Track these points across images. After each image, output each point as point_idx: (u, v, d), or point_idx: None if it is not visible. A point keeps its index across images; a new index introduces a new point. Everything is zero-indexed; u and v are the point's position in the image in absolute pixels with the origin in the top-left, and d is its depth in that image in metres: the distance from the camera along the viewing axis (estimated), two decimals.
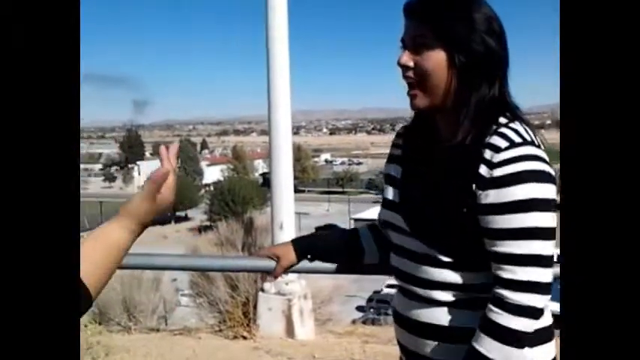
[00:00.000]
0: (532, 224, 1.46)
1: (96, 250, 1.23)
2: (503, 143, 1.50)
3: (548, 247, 1.48)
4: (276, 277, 2.08)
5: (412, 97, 1.64)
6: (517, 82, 1.71)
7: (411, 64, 1.61)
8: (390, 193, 1.80)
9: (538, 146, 1.52)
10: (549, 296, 1.50)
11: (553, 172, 1.50)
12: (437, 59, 1.57)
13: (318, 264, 2.07)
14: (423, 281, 1.66)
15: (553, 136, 1.67)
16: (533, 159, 1.48)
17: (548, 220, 1.47)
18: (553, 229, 1.48)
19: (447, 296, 1.63)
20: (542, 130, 1.74)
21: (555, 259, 1.49)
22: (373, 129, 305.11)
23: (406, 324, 1.75)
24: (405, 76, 1.63)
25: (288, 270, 2.05)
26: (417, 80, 1.61)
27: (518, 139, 1.51)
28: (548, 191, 1.47)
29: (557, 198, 1.47)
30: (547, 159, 1.51)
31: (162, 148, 1.37)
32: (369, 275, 2.20)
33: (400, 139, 1.87)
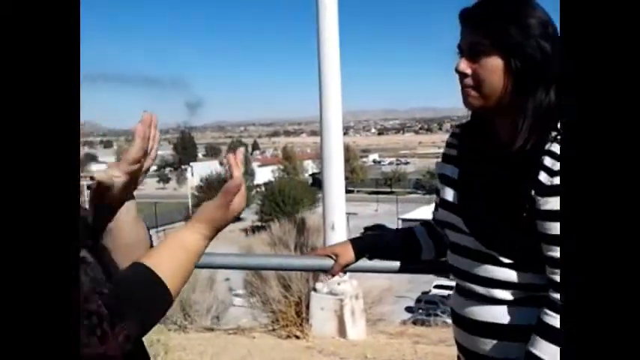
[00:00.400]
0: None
1: (174, 254, 1.27)
2: None
3: None
4: (333, 275, 2.15)
5: (466, 95, 1.65)
6: None
7: (469, 71, 1.62)
8: (447, 193, 1.79)
9: None
10: None
11: None
12: (494, 66, 1.58)
13: (375, 263, 2.10)
14: (482, 279, 1.67)
15: None
16: None
17: None
18: None
19: (506, 294, 1.63)
20: None
21: None
22: (421, 128, 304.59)
23: (464, 323, 1.75)
24: (462, 82, 1.64)
25: (345, 268, 2.08)
26: (475, 85, 1.62)
27: None
28: None
29: None
30: None
31: (230, 156, 1.37)
32: (419, 276, 2.23)
33: (455, 138, 1.87)
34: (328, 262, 2.09)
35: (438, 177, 1.88)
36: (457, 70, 1.63)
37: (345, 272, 2.11)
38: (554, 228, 1.50)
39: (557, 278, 1.50)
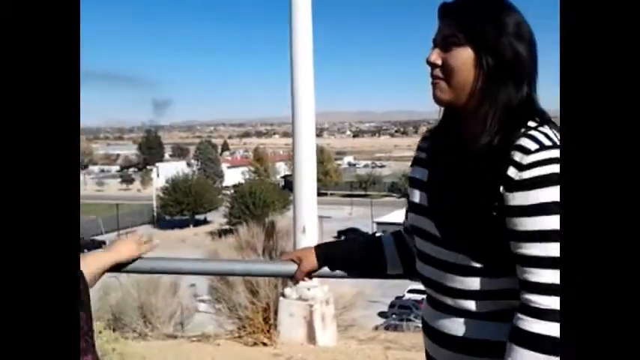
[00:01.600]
0: (559, 227, 1.43)
1: None
2: (532, 145, 1.51)
3: None
4: (296, 282, 2.11)
5: (435, 87, 1.66)
6: None
7: (439, 61, 1.64)
8: (416, 196, 1.80)
9: None
10: None
11: None
12: (465, 57, 1.60)
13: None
14: (450, 290, 1.66)
15: None
16: None
17: None
18: None
19: (476, 306, 1.62)
20: None
21: None
22: (397, 131, 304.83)
23: (434, 334, 1.74)
24: (432, 74, 1.66)
25: (310, 274, 2.06)
26: (444, 77, 1.64)
27: (547, 142, 1.51)
28: None
29: None
30: None
31: None
32: (392, 280, 2.21)
33: (425, 142, 1.88)
34: (294, 268, 2.06)
35: (408, 181, 1.88)
36: (428, 61, 1.65)
37: (310, 278, 2.08)
38: (524, 224, 1.49)
39: (530, 277, 1.47)
